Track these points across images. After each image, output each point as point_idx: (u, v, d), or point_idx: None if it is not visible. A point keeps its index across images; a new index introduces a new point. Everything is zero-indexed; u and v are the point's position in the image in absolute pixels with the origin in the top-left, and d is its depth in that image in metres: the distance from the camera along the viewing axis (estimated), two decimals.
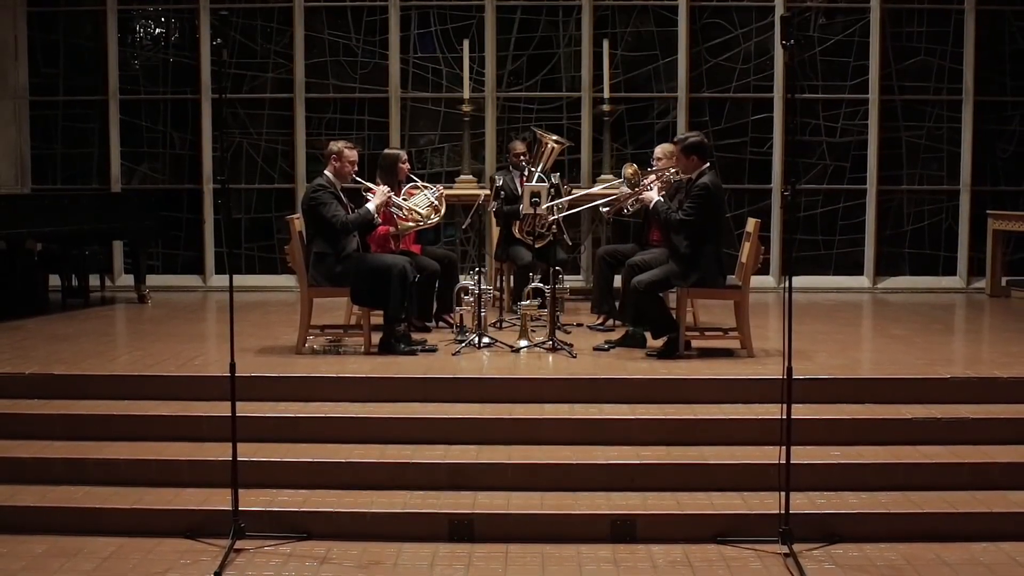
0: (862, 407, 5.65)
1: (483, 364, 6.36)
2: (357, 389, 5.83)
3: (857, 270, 10.54)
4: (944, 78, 10.43)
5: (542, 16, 10.46)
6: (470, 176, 9.85)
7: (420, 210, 7.31)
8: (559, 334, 6.89)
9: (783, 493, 4.53)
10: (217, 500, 4.85)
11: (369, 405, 5.70)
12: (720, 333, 6.96)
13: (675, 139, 7.33)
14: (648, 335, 6.79)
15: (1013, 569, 4.47)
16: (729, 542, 4.70)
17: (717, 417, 5.52)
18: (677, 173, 6.94)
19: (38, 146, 10.69)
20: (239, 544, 4.60)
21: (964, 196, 10.47)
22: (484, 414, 5.57)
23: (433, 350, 6.69)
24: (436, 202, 7.38)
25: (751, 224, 6.80)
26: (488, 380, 5.93)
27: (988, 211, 10.01)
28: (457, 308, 7.23)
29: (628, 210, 7.46)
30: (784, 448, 4.52)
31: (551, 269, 6.99)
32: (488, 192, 8.48)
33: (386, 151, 7.86)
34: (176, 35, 10.92)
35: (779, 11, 10.22)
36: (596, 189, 8.58)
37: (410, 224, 7.33)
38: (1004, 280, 10.02)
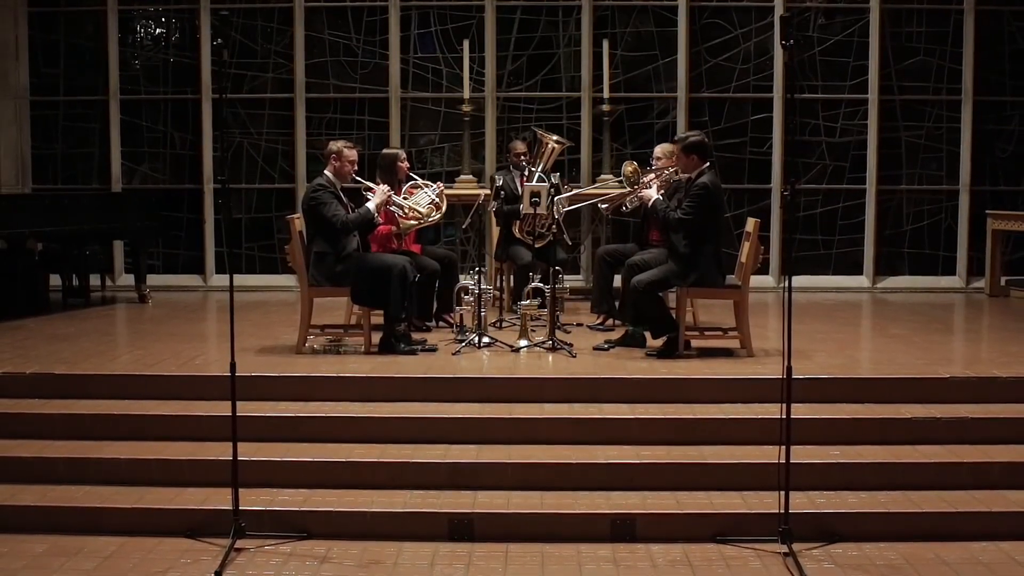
0: (861, 407, 5.66)
1: (483, 364, 6.37)
2: (357, 389, 5.84)
3: (856, 270, 10.54)
4: (943, 78, 10.44)
5: (542, 16, 10.46)
6: (470, 176, 9.85)
7: (421, 208, 7.32)
8: (559, 334, 6.90)
9: (783, 492, 4.53)
10: (218, 499, 4.86)
11: (369, 405, 5.71)
12: (720, 333, 6.97)
13: (675, 138, 7.34)
14: (648, 335, 6.80)
15: (1012, 568, 4.48)
16: (729, 541, 4.71)
17: (717, 417, 5.52)
18: (677, 172, 6.95)
19: (39, 146, 10.70)
20: (239, 543, 4.61)
21: (963, 196, 10.48)
22: (484, 414, 5.58)
23: (433, 350, 6.70)
24: (437, 199, 7.39)
25: (751, 224, 6.80)
26: (488, 380, 5.94)
27: (987, 211, 10.02)
28: (457, 308, 7.24)
29: (627, 207, 7.47)
30: (784, 447, 4.53)
31: (551, 269, 7.00)
32: (488, 192, 8.49)
33: (385, 151, 7.88)
34: (176, 35, 10.92)
35: (779, 11, 10.22)
36: (590, 189, 8.59)
37: (412, 222, 7.34)
38: (1003, 280, 10.03)
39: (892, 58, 10.38)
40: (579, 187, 9.48)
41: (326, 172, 6.79)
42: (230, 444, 4.64)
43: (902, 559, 4.55)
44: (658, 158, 7.49)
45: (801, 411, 5.09)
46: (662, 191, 6.92)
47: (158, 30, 11.01)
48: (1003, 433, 5.43)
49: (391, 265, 6.54)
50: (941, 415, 5.50)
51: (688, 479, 5.11)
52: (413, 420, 5.53)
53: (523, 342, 6.77)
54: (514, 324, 7.37)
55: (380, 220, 6.98)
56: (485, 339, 6.80)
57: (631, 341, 6.87)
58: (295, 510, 4.86)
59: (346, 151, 6.78)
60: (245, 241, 10.61)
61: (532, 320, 6.96)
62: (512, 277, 8.24)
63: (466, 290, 7.09)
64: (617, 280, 7.51)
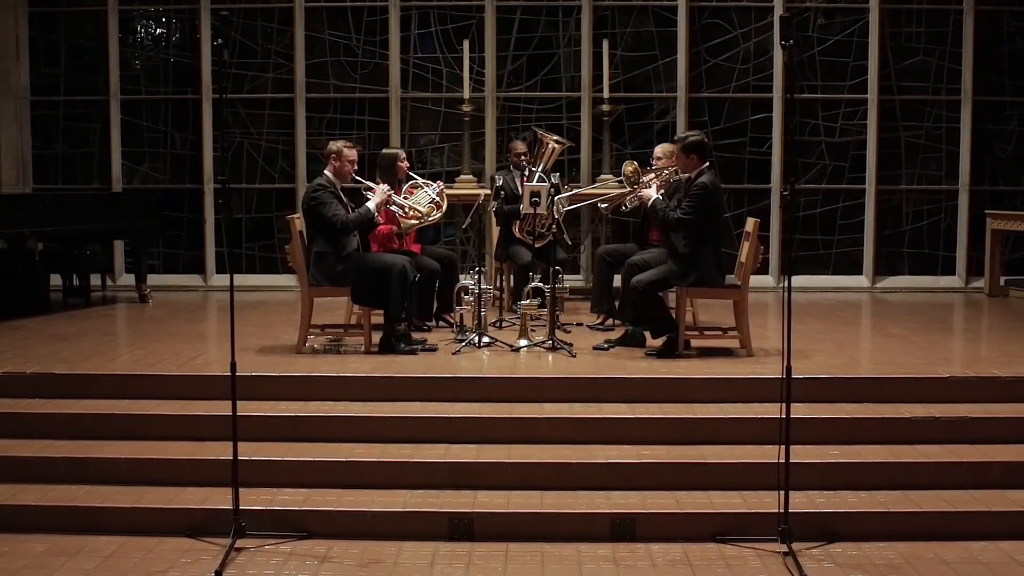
0: (861, 406, 5.66)
1: (483, 363, 6.38)
2: (357, 388, 5.84)
3: (856, 270, 10.55)
4: (943, 78, 10.44)
5: (542, 16, 10.47)
6: (470, 176, 9.86)
7: (421, 207, 7.32)
8: (559, 333, 6.90)
9: (782, 492, 4.54)
10: (218, 499, 4.87)
11: (369, 404, 5.71)
12: (719, 332, 6.97)
13: (675, 138, 7.35)
14: (647, 334, 6.81)
15: (1012, 568, 4.48)
16: (728, 541, 4.71)
17: (716, 416, 5.53)
18: (677, 172, 6.96)
19: (39, 146, 10.71)
20: (240, 543, 4.62)
21: (963, 196, 10.48)
22: (484, 413, 5.59)
23: (433, 349, 6.70)
24: (437, 199, 7.39)
25: (750, 224, 6.81)
26: (488, 379, 5.94)
27: (987, 211, 10.02)
28: (457, 307, 7.25)
29: (626, 207, 7.48)
30: (783, 447, 4.53)
31: (551, 269, 7.00)
32: (488, 192, 8.49)
33: (385, 151, 7.88)
34: (177, 35, 10.93)
35: (778, 11, 10.23)
36: (589, 189, 8.60)
37: (412, 222, 7.34)
38: (1003, 280, 10.04)
39: (892, 58, 10.39)
40: (578, 187, 9.48)
41: (326, 172, 6.80)
42: (230, 444, 4.64)
43: (902, 558, 4.55)
44: (658, 158, 7.49)
45: (801, 411, 5.10)
46: (662, 191, 6.93)
47: (158, 30, 11.01)
48: (1002, 432, 5.43)
49: (391, 265, 6.54)
50: (940, 415, 5.50)
51: (688, 479, 5.12)
52: (413, 420, 5.53)
53: (523, 342, 6.77)
54: (514, 324, 7.37)
55: (380, 220, 6.98)
56: (485, 339, 6.81)
57: (631, 341, 6.88)
58: (295, 510, 4.87)
59: (346, 151, 6.79)
60: (245, 241, 10.61)
61: (532, 320, 6.96)
62: (512, 277, 8.25)
63: (466, 290, 7.09)
64: (617, 280, 7.51)
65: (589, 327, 7.67)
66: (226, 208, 4.69)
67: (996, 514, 4.84)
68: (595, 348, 6.82)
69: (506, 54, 10.47)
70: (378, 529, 4.80)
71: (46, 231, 8.78)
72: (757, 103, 10.43)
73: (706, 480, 5.11)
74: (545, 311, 7.03)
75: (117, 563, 4.51)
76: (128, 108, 10.62)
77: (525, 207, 7.17)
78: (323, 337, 7.11)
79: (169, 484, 5.11)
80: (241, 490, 4.66)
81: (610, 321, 7.62)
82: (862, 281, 10.50)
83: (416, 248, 7.62)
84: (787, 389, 4.53)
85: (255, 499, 4.87)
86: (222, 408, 5.01)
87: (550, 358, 6.51)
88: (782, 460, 4.53)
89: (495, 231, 8.75)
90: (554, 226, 7.79)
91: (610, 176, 9.49)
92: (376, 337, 6.70)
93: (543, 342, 6.75)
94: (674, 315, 6.66)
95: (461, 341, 6.83)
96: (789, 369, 4.53)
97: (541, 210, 7.18)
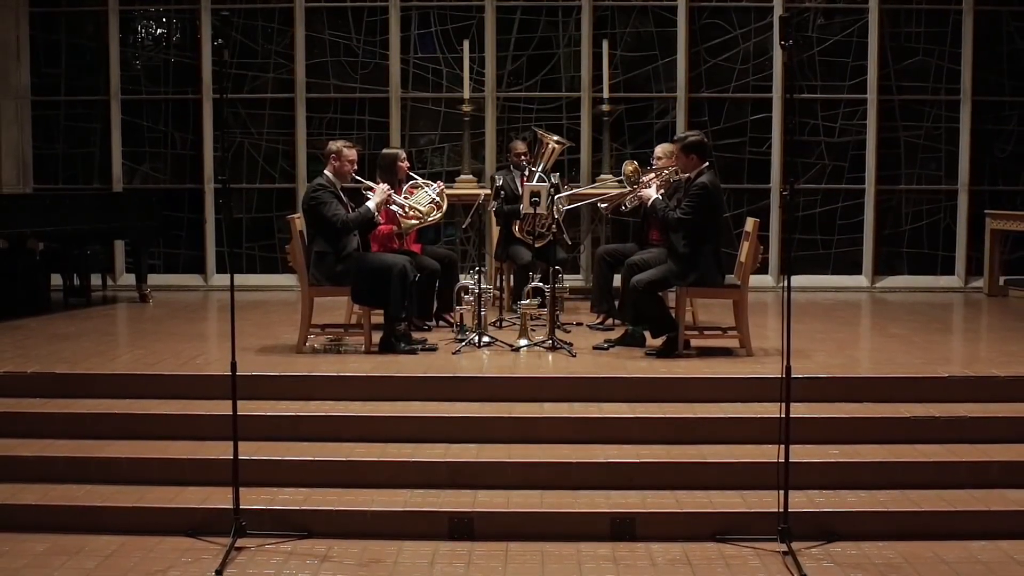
0: (860, 406, 5.67)
1: (483, 363, 6.38)
2: (358, 388, 5.85)
3: (855, 269, 10.56)
4: (942, 78, 10.45)
5: (542, 16, 10.48)
6: (470, 176, 9.87)
7: (421, 207, 7.33)
8: (559, 333, 6.91)
9: (782, 492, 4.54)
10: (218, 498, 4.87)
11: (369, 404, 5.72)
12: (719, 332, 6.98)
13: (675, 138, 7.36)
14: (647, 334, 6.82)
15: (1011, 567, 4.49)
16: (728, 540, 4.72)
17: (716, 416, 5.54)
18: (677, 173, 6.97)
19: (40, 146, 10.71)
20: (240, 542, 4.62)
21: (962, 196, 10.49)
22: (484, 413, 5.59)
23: (433, 349, 6.71)
24: (437, 199, 7.40)
25: (750, 224, 6.81)
26: (488, 379, 5.94)
27: (986, 211, 10.03)
28: (457, 307, 7.25)
29: (626, 207, 7.49)
30: (783, 447, 4.54)
31: (551, 268, 7.01)
32: (488, 192, 8.50)
33: (385, 150, 7.89)
34: (177, 35, 10.94)
35: (778, 11, 10.24)
36: (587, 189, 8.60)
37: (413, 222, 7.35)
38: (1002, 279, 10.04)
39: (891, 58, 10.39)
40: (577, 187, 9.49)
41: (326, 172, 6.81)
42: (231, 443, 4.65)
43: (901, 558, 4.56)
44: (659, 158, 7.50)
45: (800, 410, 5.10)
46: (662, 191, 6.94)
47: (159, 30, 11.02)
48: (1002, 432, 5.44)
49: (391, 265, 6.55)
50: (940, 414, 5.51)
51: (688, 478, 5.12)
52: (413, 419, 5.54)
53: (523, 341, 6.78)
54: (514, 324, 7.38)
55: (380, 220, 6.99)
56: (485, 338, 6.82)
57: (631, 340, 6.88)
58: (296, 509, 4.87)
59: (346, 151, 6.79)
60: (246, 241, 10.62)
61: (532, 320, 6.97)
62: (512, 277, 8.26)
63: (466, 290, 7.10)
64: (617, 280, 7.52)
65: (589, 327, 7.68)
66: (226, 208, 4.70)
67: (995, 513, 4.85)
68: (595, 348, 6.82)
69: (506, 54, 10.47)
70: (378, 528, 4.81)
71: (47, 231, 8.78)
72: (757, 103, 10.44)
73: (706, 480, 5.11)
74: (545, 311, 7.04)
75: (118, 562, 4.52)
76: (129, 108, 10.63)
77: (525, 207, 7.18)
78: (323, 337, 7.12)
79: (169, 483, 5.12)
80: (241, 490, 4.67)
81: (610, 321, 7.63)
82: (861, 281, 10.51)
83: (416, 248, 7.63)
84: (787, 389, 4.53)
85: (255, 498, 4.88)
86: (222, 407, 5.02)
87: (550, 358, 6.51)
88: (782, 460, 4.54)
89: (495, 231, 8.76)
90: (554, 226, 7.80)
91: (610, 176, 9.50)
92: (376, 337, 6.71)
93: (543, 342, 6.76)
94: (674, 315, 6.67)
95: (461, 341, 6.84)
96: (789, 369, 4.54)
97: (541, 210, 7.19)
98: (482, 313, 6.93)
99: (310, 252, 6.71)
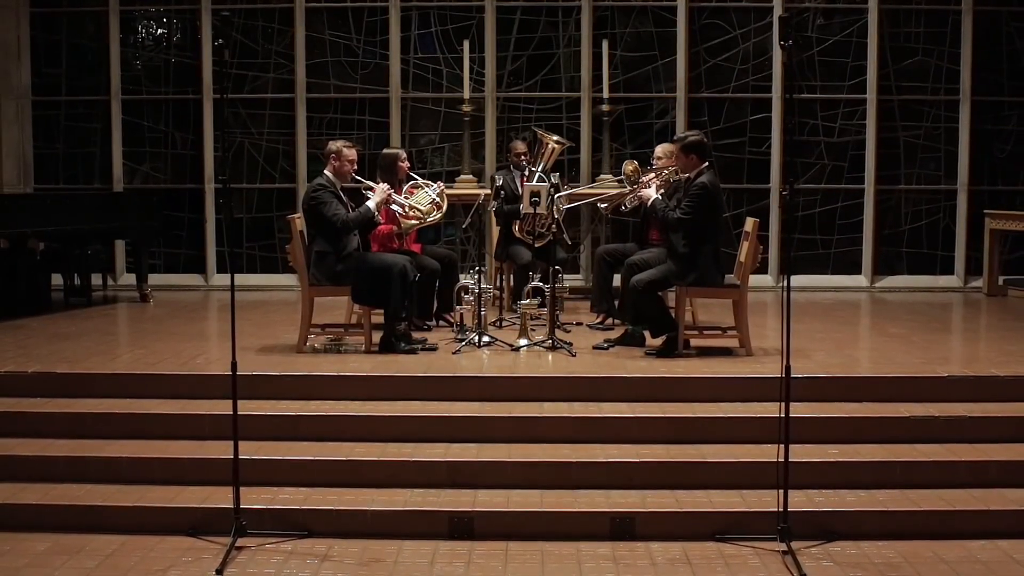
0: (860, 405, 5.68)
1: (483, 363, 6.39)
2: (358, 387, 5.86)
3: (855, 269, 10.56)
4: (941, 78, 10.46)
5: (542, 16, 10.48)
6: (470, 176, 9.87)
7: (421, 207, 7.33)
8: (559, 333, 6.92)
9: (782, 491, 4.55)
10: (218, 498, 4.88)
11: (370, 403, 5.73)
12: (719, 332, 6.98)
13: (675, 138, 7.36)
14: (647, 334, 6.82)
15: (1010, 567, 4.49)
16: (728, 540, 4.73)
17: (716, 415, 5.54)
18: (676, 173, 6.97)
19: (40, 146, 10.72)
20: (240, 542, 4.63)
21: (961, 196, 10.50)
22: (484, 412, 5.60)
23: (433, 349, 6.72)
24: (437, 199, 7.40)
25: (750, 223, 6.82)
26: (488, 379, 5.95)
27: (985, 210, 10.03)
28: (457, 307, 7.26)
29: (626, 207, 7.49)
30: (783, 446, 4.54)
31: (551, 268, 7.02)
32: (488, 192, 8.51)
33: (385, 150, 7.89)
34: (178, 35, 10.94)
35: (777, 11, 10.24)
36: (586, 188, 8.60)
37: (413, 222, 7.35)
38: (1001, 279, 10.05)
39: (890, 58, 10.40)
40: (576, 187, 9.49)
41: (326, 172, 6.81)
42: (231, 443, 4.66)
43: (901, 557, 4.56)
44: (659, 158, 7.50)
45: (800, 410, 5.09)
46: (662, 191, 6.94)
47: (159, 30, 11.03)
48: (1001, 431, 5.45)
49: (391, 264, 6.56)
50: (939, 414, 5.52)
51: (687, 478, 5.13)
52: (413, 419, 5.54)
53: (523, 341, 6.79)
54: (514, 323, 7.39)
55: (380, 219, 6.99)
56: (485, 338, 6.82)
57: (631, 340, 6.89)
58: (296, 508, 4.88)
59: (345, 151, 6.80)
60: (246, 241, 10.63)
61: (532, 319, 6.97)
62: (512, 277, 8.26)
63: (466, 289, 7.11)
64: (617, 279, 7.53)
65: (589, 326, 7.68)
66: (227, 208, 4.70)
67: (995, 513, 4.85)
68: (595, 347, 6.83)
69: (506, 54, 10.48)
70: (378, 528, 4.82)
71: (47, 231, 8.79)
72: (756, 103, 10.45)
73: (706, 479, 5.12)
74: (545, 311, 7.05)
75: (118, 562, 4.53)
76: (129, 108, 10.63)
77: (525, 207, 7.19)
78: (323, 336, 7.12)
79: (170, 483, 5.12)
80: (242, 489, 4.68)
81: (610, 320, 7.63)
82: (861, 281, 10.51)
83: (416, 248, 7.63)
84: (786, 388, 4.54)
85: (256, 498, 4.89)
86: (223, 407, 5.03)
87: (550, 357, 6.52)
88: (781, 459, 4.55)
89: (495, 231, 8.77)
90: (554, 226, 7.80)
91: (610, 176, 9.51)
92: (376, 336, 6.72)
93: (543, 342, 6.77)
94: (673, 315, 6.68)
95: (461, 340, 6.84)
96: (788, 368, 4.54)
97: (541, 210, 7.19)
98: (482, 313, 6.94)
99: (310, 252, 6.72)
